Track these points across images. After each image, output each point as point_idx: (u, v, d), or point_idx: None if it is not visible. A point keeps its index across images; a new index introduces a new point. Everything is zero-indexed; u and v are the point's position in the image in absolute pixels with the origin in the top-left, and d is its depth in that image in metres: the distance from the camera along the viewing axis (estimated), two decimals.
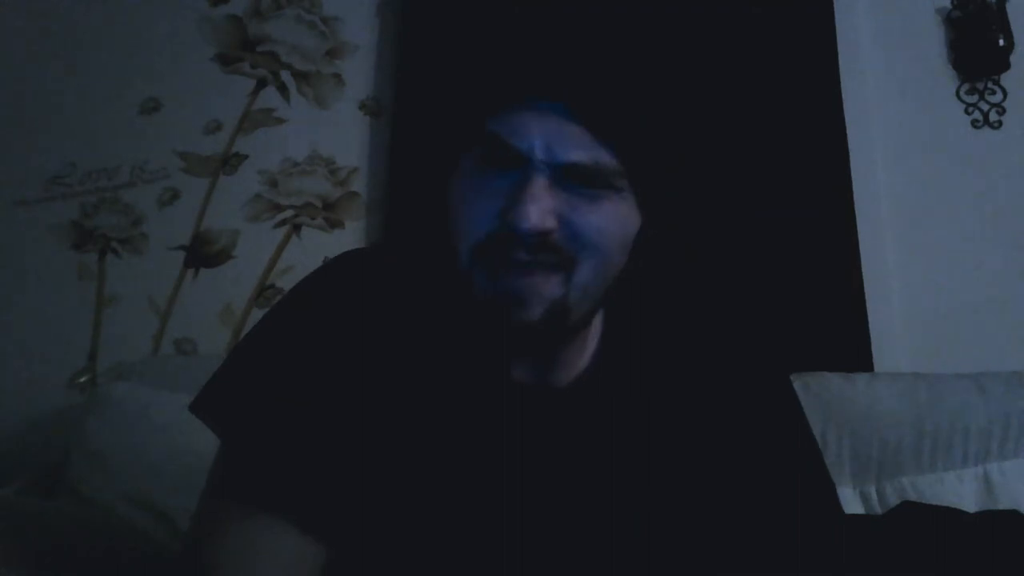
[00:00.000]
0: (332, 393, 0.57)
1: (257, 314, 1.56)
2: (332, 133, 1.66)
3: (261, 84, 1.70)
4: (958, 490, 1.09)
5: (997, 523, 0.81)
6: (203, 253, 1.61)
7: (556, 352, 0.63)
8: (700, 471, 0.63)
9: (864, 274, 1.41)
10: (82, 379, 1.53)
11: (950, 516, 0.87)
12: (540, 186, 0.52)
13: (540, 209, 0.52)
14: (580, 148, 0.53)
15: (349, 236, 1.61)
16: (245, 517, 0.54)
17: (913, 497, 1.08)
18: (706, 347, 0.69)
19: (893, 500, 1.08)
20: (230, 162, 1.66)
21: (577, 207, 0.54)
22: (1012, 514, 0.83)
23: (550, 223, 0.52)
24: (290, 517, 0.55)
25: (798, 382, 1.19)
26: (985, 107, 1.53)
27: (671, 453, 0.64)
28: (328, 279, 0.65)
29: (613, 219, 0.55)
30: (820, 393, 1.17)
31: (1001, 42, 1.51)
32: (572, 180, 0.53)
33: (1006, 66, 1.52)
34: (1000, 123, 1.52)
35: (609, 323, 0.68)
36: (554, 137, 0.53)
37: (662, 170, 0.58)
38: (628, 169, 0.54)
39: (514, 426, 0.61)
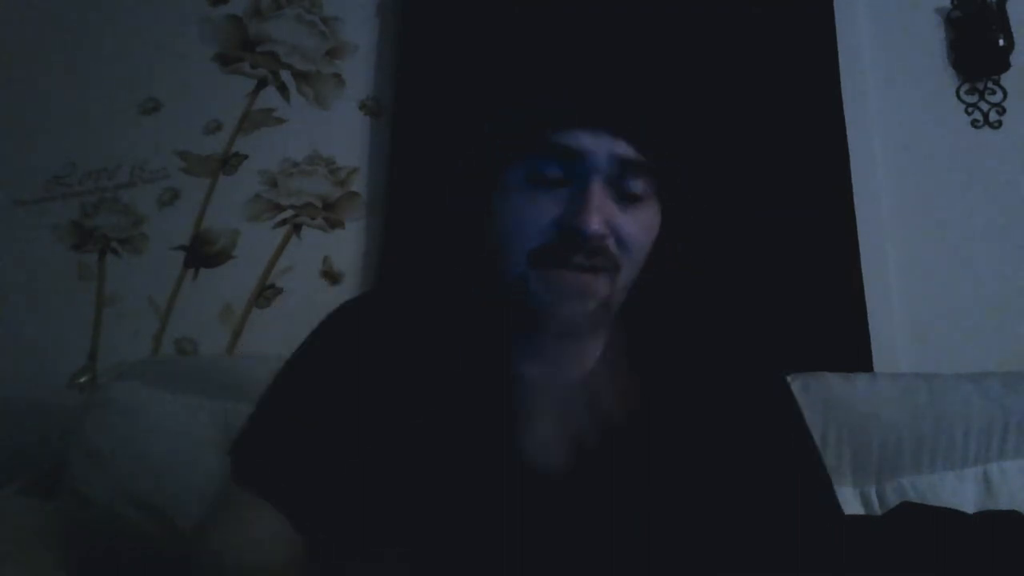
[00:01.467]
0: (342, 422, 0.64)
1: (257, 314, 1.57)
2: (332, 133, 1.66)
3: (261, 84, 1.70)
4: (958, 490, 1.09)
5: (997, 523, 0.81)
6: (203, 253, 1.61)
7: (569, 349, 0.67)
8: (699, 468, 0.64)
9: (864, 274, 1.41)
10: (82, 379, 1.53)
11: (950, 516, 0.87)
12: (600, 195, 0.59)
13: (602, 216, 0.59)
14: (625, 150, 0.61)
15: (349, 236, 1.61)
16: (246, 505, 0.62)
17: (913, 497, 1.08)
18: (706, 348, 0.70)
19: (893, 500, 1.08)
20: (230, 162, 1.66)
21: (621, 217, 0.61)
22: (1012, 514, 0.83)
23: (606, 229, 0.60)
24: (280, 507, 0.62)
25: (798, 382, 1.19)
26: (985, 107, 1.53)
27: (670, 450, 0.64)
28: (328, 333, 0.72)
29: (645, 227, 0.63)
30: (820, 393, 1.17)
31: (1001, 42, 1.51)
32: (619, 185, 0.61)
33: (1006, 66, 1.52)
34: (1000, 123, 1.52)
35: (617, 323, 0.70)
36: (607, 148, 0.60)
37: (686, 178, 0.66)
38: (661, 173, 0.63)
39: (520, 424, 0.63)
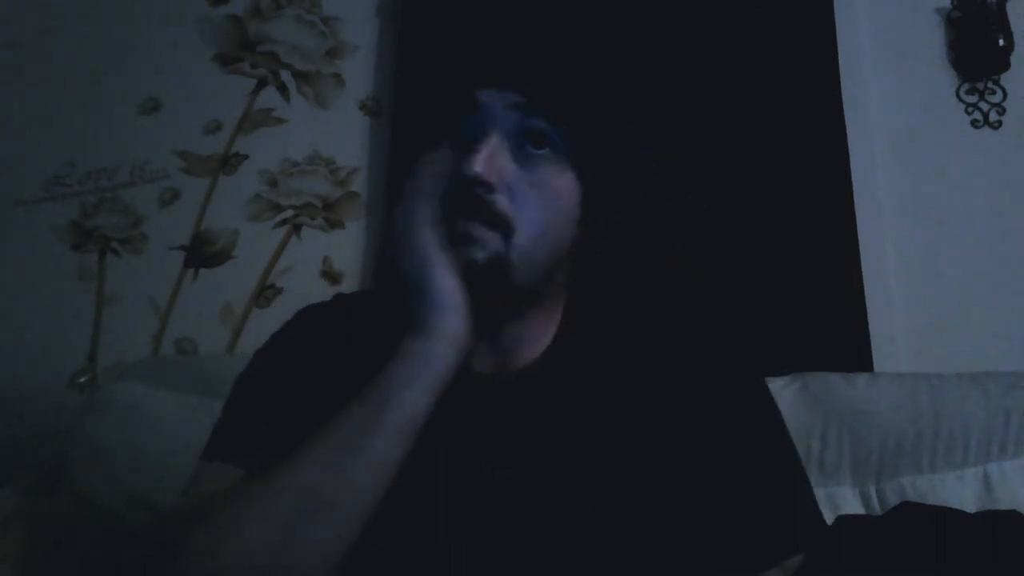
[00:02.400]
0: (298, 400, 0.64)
1: (257, 314, 1.57)
2: (332, 133, 1.66)
3: (261, 84, 1.70)
4: (958, 490, 1.09)
5: (997, 523, 0.81)
6: (203, 253, 1.61)
7: (513, 330, 0.67)
8: (652, 461, 0.63)
9: (864, 274, 1.41)
10: (82, 379, 1.53)
11: (950, 516, 0.87)
12: (493, 145, 0.60)
13: (490, 165, 0.59)
14: (528, 113, 0.62)
15: (349, 236, 1.61)
16: (209, 471, 0.63)
17: (913, 497, 1.08)
18: (665, 339, 0.69)
19: (893, 500, 1.08)
20: (230, 162, 1.66)
21: (518, 173, 0.61)
22: (1012, 514, 0.83)
23: (493, 178, 0.59)
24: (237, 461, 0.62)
25: (798, 382, 1.19)
26: (985, 107, 1.53)
27: (620, 442, 0.63)
28: (291, 326, 0.76)
29: (549, 190, 0.63)
30: (820, 393, 1.17)
31: (1001, 42, 1.51)
32: (521, 145, 0.62)
33: (1006, 66, 1.52)
34: (1000, 123, 1.52)
35: (569, 309, 0.70)
36: (508, 107, 0.62)
37: (595, 137, 0.66)
38: (571, 145, 0.63)
39: (469, 414, 0.63)
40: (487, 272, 0.60)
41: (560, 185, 0.63)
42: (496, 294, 0.63)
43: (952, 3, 1.57)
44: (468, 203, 0.60)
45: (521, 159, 0.62)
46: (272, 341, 0.74)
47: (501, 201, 0.60)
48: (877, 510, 1.09)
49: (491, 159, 0.59)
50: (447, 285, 0.58)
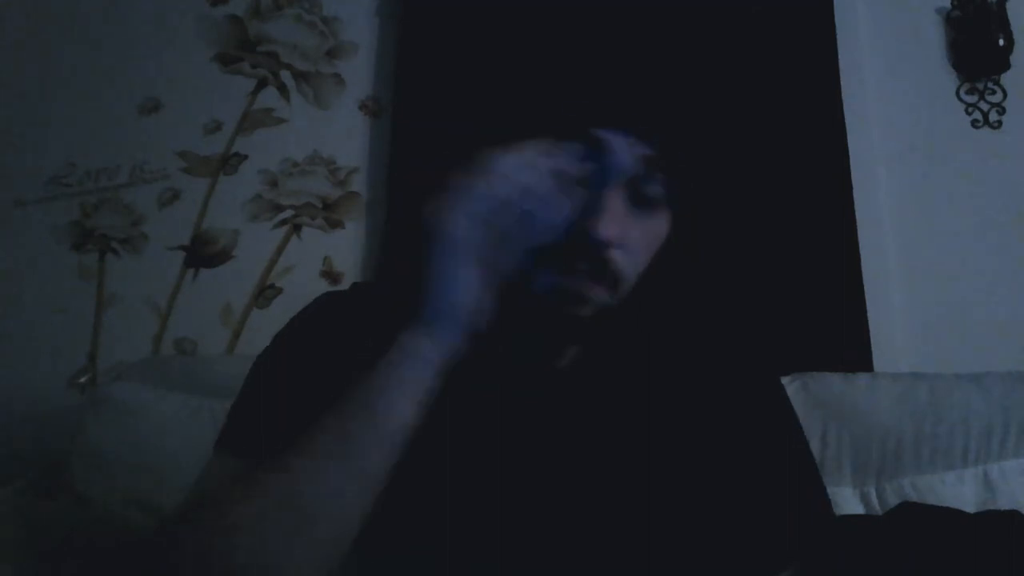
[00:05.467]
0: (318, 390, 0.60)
1: (257, 314, 1.57)
2: (332, 133, 1.66)
3: (261, 84, 1.70)
4: (958, 490, 1.09)
5: (997, 523, 0.81)
6: (203, 253, 1.61)
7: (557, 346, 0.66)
8: (682, 460, 0.64)
9: (864, 274, 1.41)
10: (82, 379, 1.53)
11: (950, 516, 0.87)
12: (616, 200, 0.57)
13: (616, 224, 0.57)
14: (646, 162, 0.59)
15: (349, 236, 1.61)
16: (223, 466, 0.60)
17: (913, 497, 1.08)
18: (695, 341, 0.70)
19: (893, 500, 1.08)
20: (230, 162, 1.66)
21: (633, 225, 0.59)
22: (1012, 514, 0.83)
23: (618, 237, 0.57)
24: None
25: (798, 382, 1.19)
26: (985, 107, 1.53)
27: (652, 442, 0.64)
28: (311, 311, 0.71)
29: (654, 235, 0.62)
30: (820, 393, 1.17)
31: (1001, 42, 1.51)
32: (636, 190, 0.59)
33: (1006, 66, 1.52)
34: (1000, 123, 1.52)
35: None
36: (630, 148, 0.58)
37: (699, 187, 0.64)
38: (677, 180, 0.61)
39: (509, 408, 0.63)
40: (587, 324, 0.59)
41: (660, 229, 0.62)
42: (579, 337, 0.63)
43: (952, 3, 1.57)
44: (583, 260, 0.57)
45: (633, 207, 0.59)
46: (292, 326, 0.70)
47: (618, 257, 0.58)
48: (877, 510, 1.09)
49: (617, 218, 0.57)
50: (465, 278, 0.53)
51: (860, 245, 1.42)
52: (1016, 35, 1.52)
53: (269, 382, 0.66)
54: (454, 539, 0.60)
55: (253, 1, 1.75)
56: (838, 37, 1.52)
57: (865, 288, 1.40)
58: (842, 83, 1.50)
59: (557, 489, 0.62)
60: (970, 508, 1.01)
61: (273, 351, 0.69)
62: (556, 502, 0.62)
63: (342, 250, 1.60)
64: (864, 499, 1.12)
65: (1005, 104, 1.52)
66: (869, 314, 1.39)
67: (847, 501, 1.11)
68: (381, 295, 0.70)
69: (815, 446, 1.13)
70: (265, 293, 1.58)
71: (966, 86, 1.54)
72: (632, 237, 0.59)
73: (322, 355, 0.65)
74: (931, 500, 1.06)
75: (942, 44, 1.57)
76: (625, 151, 0.58)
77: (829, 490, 1.09)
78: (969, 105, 1.53)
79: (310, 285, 1.56)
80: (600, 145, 0.57)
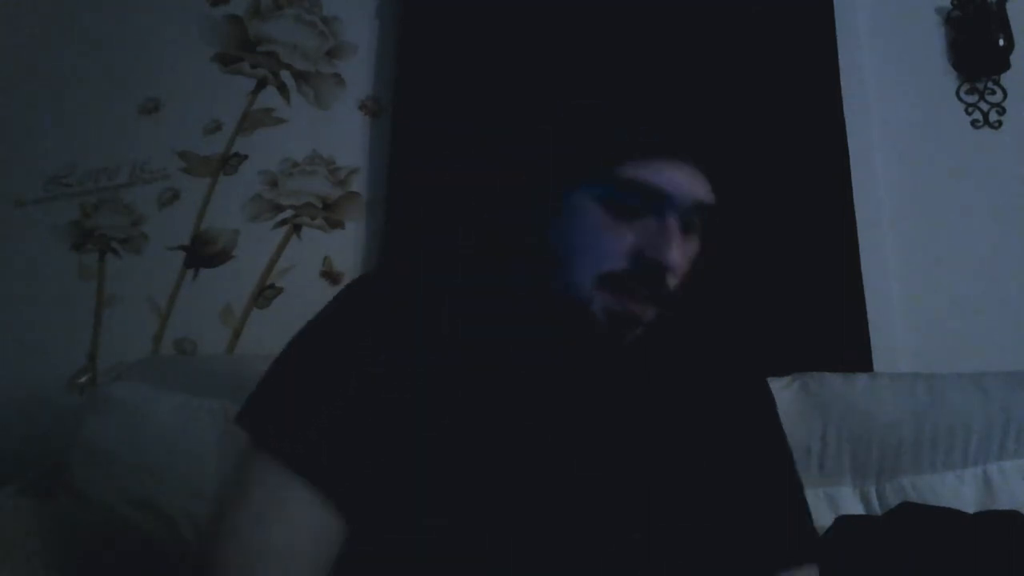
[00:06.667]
0: (361, 385, 0.61)
1: (257, 314, 1.57)
2: (332, 133, 1.66)
3: (261, 84, 1.70)
4: (958, 490, 1.09)
5: (997, 523, 0.82)
6: (203, 253, 1.61)
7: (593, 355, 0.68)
8: (691, 464, 0.65)
9: (864, 274, 1.41)
10: (82, 379, 1.53)
11: (950, 516, 0.87)
12: (678, 229, 0.61)
13: (681, 252, 0.61)
14: (704, 192, 0.62)
15: (349, 236, 1.61)
16: (277, 482, 0.57)
17: (913, 497, 1.08)
18: (698, 345, 0.73)
19: (893, 500, 1.08)
20: (230, 162, 1.66)
21: (684, 252, 0.63)
22: (1012, 514, 0.83)
23: (681, 265, 0.61)
24: (317, 484, 0.57)
25: (798, 382, 1.19)
26: (985, 107, 1.53)
27: (667, 446, 0.65)
28: (351, 297, 0.69)
29: (692, 256, 0.65)
30: (820, 393, 1.17)
31: (1001, 42, 1.51)
32: (690, 224, 0.63)
33: (1006, 66, 1.52)
34: (1000, 123, 1.52)
35: None
36: (687, 183, 0.61)
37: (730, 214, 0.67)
38: (721, 210, 0.64)
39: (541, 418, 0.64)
40: (632, 341, 0.63)
41: (694, 248, 0.66)
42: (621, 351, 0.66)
43: (952, 3, 1.57)
44: (648, 287, 0.61)
45: (683, 228, 0.63)
46: (331, 313, 0.67)
47: (673, 283, 0.62)
48: (877, 510, 1.09)
49: (680, 245, 0.61)
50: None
51: (860, 245, 1.42)
52: (1016, 35, 1.52)
53: (310, 372, 0.62)
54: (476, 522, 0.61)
55: (253, 1, 1.75)
56: (838, 37, 1.53)
57: (865, 288, 1.40)
58: (842, 83, 1.50)
59: (574, 487, 0.63)
60: (970, 508, 1.01)
61: (312, 337, 0.65)
62: (568, 503, 0.62)
63: (342, 250, 1.59)
64: (864, 499, 1.12)
65: (1005, 104, 1.52)
66: (869, 314, 1.39)
67: (847, 501, 1.11)
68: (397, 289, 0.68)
69: (815, 446, 1.14)
70: (265, 293, 1.58)
71: (966, 86, 1.54)
72: (684, 265, 0.63)
73: (366, 346, 0.62)
74: (931, 500, 1.06)
75: (942, 44, 1.57)
76: (687, 181, 0.61)
77: (829, 490, 1.10)
78: (969, 105, 1.54)
79: (310, 285, 1.56)
80: (656, 188, 0.60)
